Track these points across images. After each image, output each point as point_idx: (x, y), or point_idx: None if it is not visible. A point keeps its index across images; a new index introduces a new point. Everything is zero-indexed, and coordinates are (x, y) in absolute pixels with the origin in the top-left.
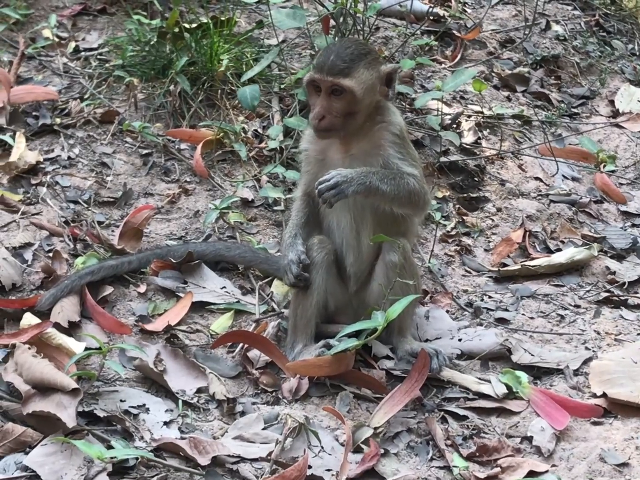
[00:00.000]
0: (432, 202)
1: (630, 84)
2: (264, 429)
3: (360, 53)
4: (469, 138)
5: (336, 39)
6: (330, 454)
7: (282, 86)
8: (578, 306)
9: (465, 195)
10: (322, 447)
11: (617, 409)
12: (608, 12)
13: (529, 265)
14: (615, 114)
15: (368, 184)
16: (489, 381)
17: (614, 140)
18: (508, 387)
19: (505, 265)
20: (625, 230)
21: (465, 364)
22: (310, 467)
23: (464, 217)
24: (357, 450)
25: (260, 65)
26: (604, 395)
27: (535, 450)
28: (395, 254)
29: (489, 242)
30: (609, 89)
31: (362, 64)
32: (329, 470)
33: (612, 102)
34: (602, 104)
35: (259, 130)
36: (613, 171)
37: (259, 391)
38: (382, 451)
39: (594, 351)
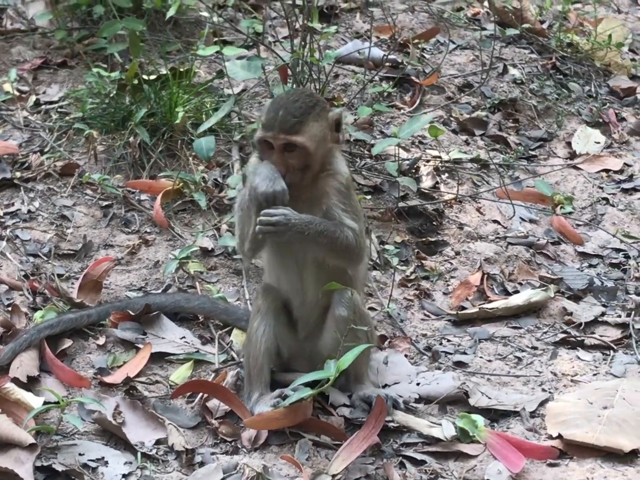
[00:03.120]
0: (367, 258)
1: (587, 126)
2: (222, 479)
3: (308, 106)
4: (427, 182)
5: (292, 87)
6: None
7: (242, 135)
8: (535, 348)
9: (424, 239)
10: None
11: (573, 450)
12: (565, 54)
13: (487, 308)
14: (573, 155)
15: (306, 234)
16: (441, 424)
17: (571, 181)
18: (464, 431)
19: (463, 308)
20: (582, 271)
21: (423, 408)
22: None
23: (423, 261)
24: None
25: (216, 116)
26: (560, 436)
27: None
28: (344, 309)
29: (448, 285)
30: (566, 130)
31: (311, 116)
32: None
33: (569, 144)
34: (559, 146)
35: (219, 179)
36: (570, 212)
37: (219, 441)
38: None
39: (550, 392)
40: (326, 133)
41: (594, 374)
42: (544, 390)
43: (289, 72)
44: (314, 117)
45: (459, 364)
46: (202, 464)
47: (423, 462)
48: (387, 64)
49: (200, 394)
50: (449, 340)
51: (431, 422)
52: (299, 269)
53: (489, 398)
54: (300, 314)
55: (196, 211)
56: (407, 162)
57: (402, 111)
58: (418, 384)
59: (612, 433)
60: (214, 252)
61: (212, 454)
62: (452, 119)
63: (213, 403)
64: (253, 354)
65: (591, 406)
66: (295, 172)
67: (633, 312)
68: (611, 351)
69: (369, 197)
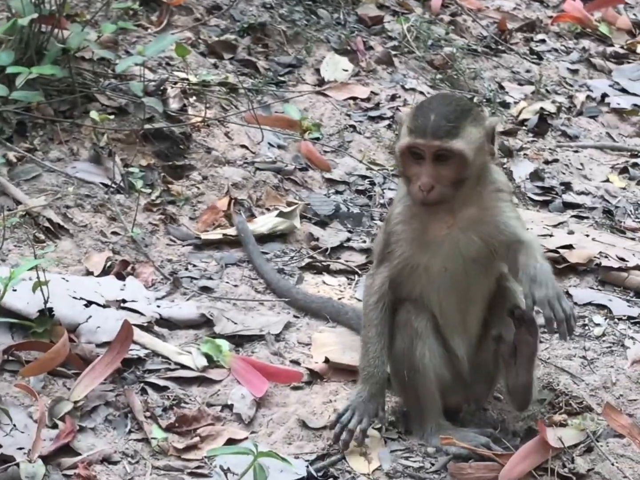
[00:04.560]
0: None
1: (336, 53)
2: None
3: (464, 109)
4: (174, 105)
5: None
6: (23, 432)
7: None
8: (282, 271)
9: (170, 163)
10: (14, 425)
11: (339, 374)
12: None
13: (231, 235)
14: (321, 82)
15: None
16: (190, 352)
17: (319, 108)
18: (209, 356)
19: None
20: (328, 197)
21: (167, 333)
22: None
23: (169, 186)
24: (56, 427)
25: None
26: (327, 360)
27: (236, 418)
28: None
29: (195, 210)
30: (315, 57)
31: (468, 121)
32: (21, 448)
33: (317, 71)
34: (308, 73)
35: None
36: (318, 139)
37: None
38: (79, 427)
39: (296, 317)
40: (483, 142)
41: (339, 298)
42: (288, 314)
43: None
44: (471, 122)
45: (205, 289)
46: None
47: (166, 388)
48: None
49: None
50: (194, 266)
51: (180, 348)
52: (463, 308)
53: (235, 323)
54: (462, 353)
55: None
56: (153, 82)
57: (149, 31)
58: (158, 307)
59: None
60: None
61: None
62: (200, 41)
63: None
64: (422, 383)
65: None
66: (447, 186)
67: None
68: (356, 276)
69: (112, 117)
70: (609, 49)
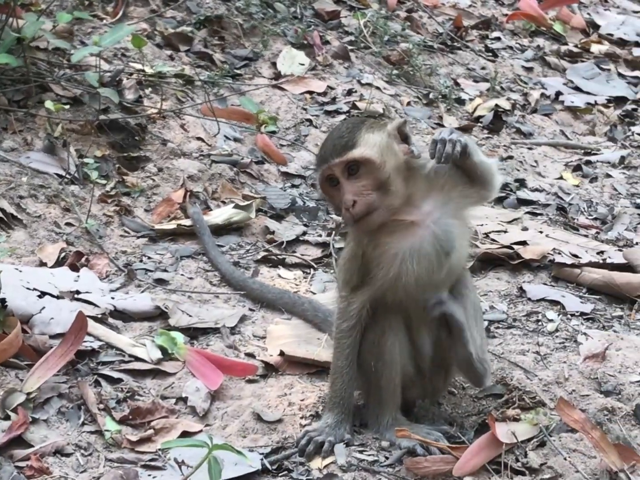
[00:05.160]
0: None
1: (292, 47)
2: None
3: (355, 123)
4: (130, 96)
5: None
6: None
7: None
8: (237, 264)
9: (125, 154)
10: None
11: (294, 367)
12: None
13: (185, 225)
14: (278, 76)
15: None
16: (145, 344)
17: (275, 102)
18: (163, 348)
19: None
20: (284, 190)
21: (121, 325)
22: None
23: (124, 177)
24: (8, 418)
25: None
26: (282, 353)
27: (190, 411)
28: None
29: (150, 202)
30: (272, 51)
31: (363, 130)
32: None
33: (274, 65)
34: (264, 66)
35: None
36: (274, 132)
37: None
38: (32, 418)
39: (251, 310)
40: (390, 143)
41: (295, 292)
42: (244, 307)
43: None
44: (367, 129)
45: (160, 282)
46: None
47: (120, 380)
48: None
49: None
50: (149, 258)
51: (134, 341)
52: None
53: (190, 316)
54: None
55: None
56: (108, 73)
57: (104, 22)
58: (113, 298)
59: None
60: None
61: None
62: (156, 32)
63: None
64: (388, 375)
65: (309, 328)
66: (370, 195)
67: (333, 232)
68: (311, 270)
69: (67, 107)
70: (563, 48)
